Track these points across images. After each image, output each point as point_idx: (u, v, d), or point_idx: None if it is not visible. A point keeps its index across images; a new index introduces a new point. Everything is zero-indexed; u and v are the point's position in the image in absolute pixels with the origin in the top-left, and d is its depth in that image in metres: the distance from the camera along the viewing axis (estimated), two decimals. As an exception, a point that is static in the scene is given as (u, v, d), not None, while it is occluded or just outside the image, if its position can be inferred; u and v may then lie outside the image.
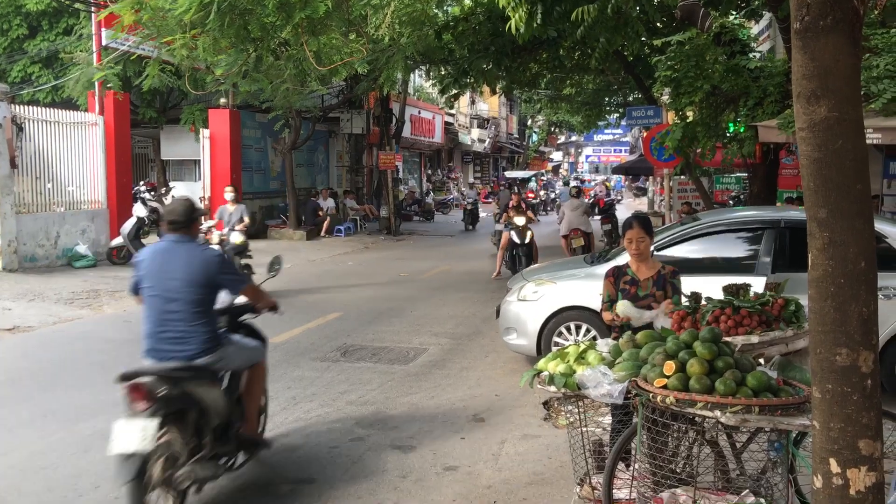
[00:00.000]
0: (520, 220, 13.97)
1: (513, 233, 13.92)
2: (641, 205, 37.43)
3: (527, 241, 13.86)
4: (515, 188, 26.55)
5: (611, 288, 4.77)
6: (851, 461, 2.53)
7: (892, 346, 6.52)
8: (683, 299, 4.56)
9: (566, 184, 27.12)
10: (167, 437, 4.11)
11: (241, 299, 4.95)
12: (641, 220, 4.80)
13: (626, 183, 51.65)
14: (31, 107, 14.65)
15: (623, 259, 6.18)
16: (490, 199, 36.18)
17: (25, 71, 19.14)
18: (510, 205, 15.45)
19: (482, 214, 29.47)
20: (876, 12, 9.81)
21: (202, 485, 4.43)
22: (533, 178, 37.89)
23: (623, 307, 4.51)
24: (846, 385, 2.53)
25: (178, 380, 4.24)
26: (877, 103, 8.02)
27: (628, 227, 4.76)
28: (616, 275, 4.80)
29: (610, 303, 4.75)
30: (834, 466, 2.55)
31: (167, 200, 19.32)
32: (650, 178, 33.05)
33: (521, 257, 13.72)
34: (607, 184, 47.68)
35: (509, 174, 40.54)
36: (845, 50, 2.49)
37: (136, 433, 3.94)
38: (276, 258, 5.78)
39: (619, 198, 41.13)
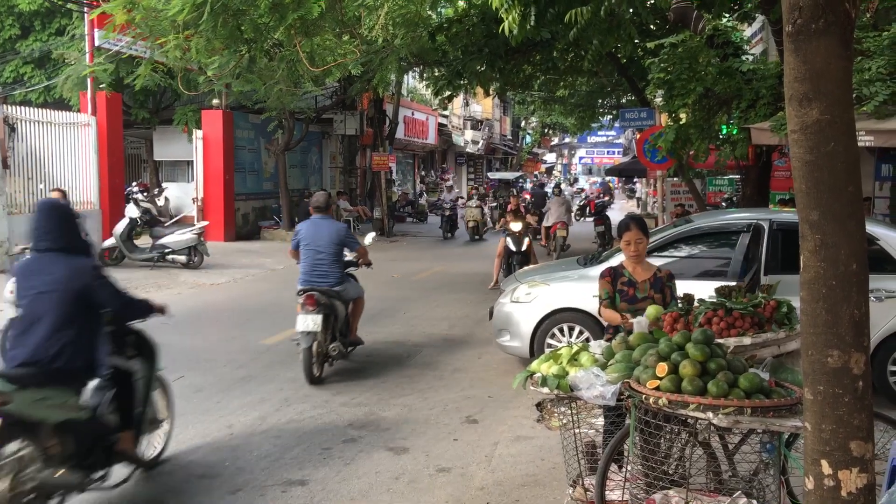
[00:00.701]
0: (516, 226, 13.10)
1: (509, 239, 12.99)
2: (634, 206, 37.53)
3: (523, 248, 12.87)
4: (514, 190, 26.34)
5: (608, 286, 4.76)
6: (843, 462, 2.53)
7: (883, 348, 6.55)
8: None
9: (557, 186, 27.05)
10: (322, 329, 7.03)
11: (351, 255, 7.81)
12: (638, 222, 4.79)
13: (620, 185, 51.75)
14: (23, 107, 14.56)
15: (617, 260, 6.19)
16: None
17: (17, 71, 19.07)
18: (508, 208, 14.87)
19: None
20: (868, 15, 9.87)
21: (338, 358, 7.49)
22: (518, 180, 37.31)
23: (654, 311, 4.32)
24: (838, 387, 2.53)
25: (329, 296, 7.24)
26: (869, 106, 8.05)
27: (625, 228, 4.74)
28: (612, 275, 4.78)
29: (609, 300, 4.74)
30: (825, 468, 2.55)
31: (160, 201, 19.33)
32: (642, 179, 33.15)
33: (516, 266, 12.32)
34: (610, 184, 47.75)
35: (493, 175, 40.19)
36: (837, 53, 2.50)
37: (311, 321, 6.96)
38: (374, 233, 9.93)
39: (612, 199, 41.17)
